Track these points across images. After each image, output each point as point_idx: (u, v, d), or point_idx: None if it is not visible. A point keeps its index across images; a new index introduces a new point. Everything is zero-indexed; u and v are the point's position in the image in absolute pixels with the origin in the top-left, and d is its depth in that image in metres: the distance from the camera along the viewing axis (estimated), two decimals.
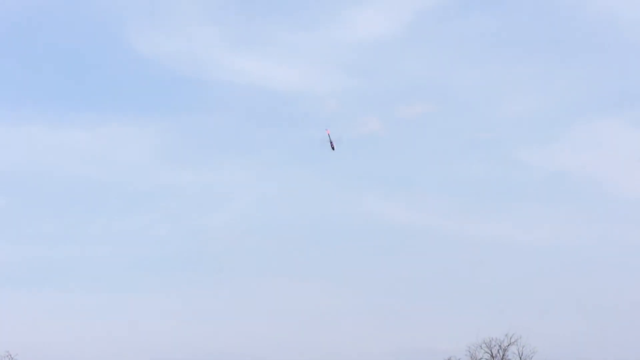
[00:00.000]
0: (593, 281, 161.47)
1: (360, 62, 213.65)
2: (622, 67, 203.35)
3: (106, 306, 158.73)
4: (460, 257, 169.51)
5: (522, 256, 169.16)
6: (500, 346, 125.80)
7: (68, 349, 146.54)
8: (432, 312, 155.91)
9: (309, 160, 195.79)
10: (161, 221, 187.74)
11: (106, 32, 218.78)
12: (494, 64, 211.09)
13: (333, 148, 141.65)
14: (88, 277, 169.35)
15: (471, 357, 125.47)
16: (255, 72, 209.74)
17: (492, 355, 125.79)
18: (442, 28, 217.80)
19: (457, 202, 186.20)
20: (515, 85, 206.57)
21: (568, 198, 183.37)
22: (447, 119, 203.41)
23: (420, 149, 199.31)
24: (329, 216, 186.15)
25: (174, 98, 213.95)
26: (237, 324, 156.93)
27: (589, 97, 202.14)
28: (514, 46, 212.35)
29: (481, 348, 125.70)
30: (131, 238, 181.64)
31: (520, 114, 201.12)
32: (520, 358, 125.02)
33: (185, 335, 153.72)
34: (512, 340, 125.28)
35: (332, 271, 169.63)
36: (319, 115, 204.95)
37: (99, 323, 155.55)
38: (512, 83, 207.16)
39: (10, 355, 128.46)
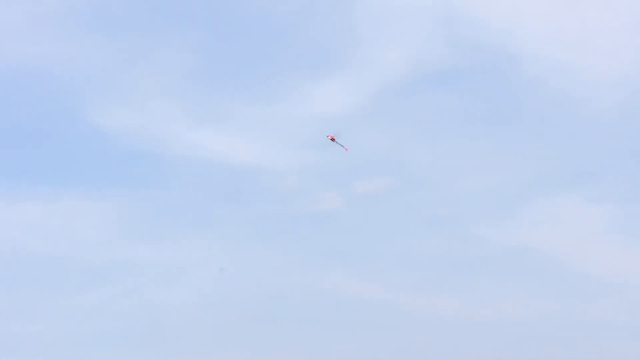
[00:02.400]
0: (552, 356, 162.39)
1: (320, 137, 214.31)
2: (580, 144, 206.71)
3: None
4: (421, 332, 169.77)
5: (482, 332, 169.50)
6: None
7: None
8: None
9: (268, 236, 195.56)
10: (119, 296, 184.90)
11: (64, 105, 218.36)
12: (454, 140, 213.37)
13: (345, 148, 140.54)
14: (44, 354, 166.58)
15: None
16: (215, 147, 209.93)
17: None
18: (402, 104, 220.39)
19: (418, 277, 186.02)
20: (474, 161, 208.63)
21: (527, 274, 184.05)
22: (406, 194, 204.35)
23: (380, 225, 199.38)
24: (289, 292, 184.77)
25: (132, 172, 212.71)
26: None
27: (547, 174, 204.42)
28: (473, 122, 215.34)
29: None
30: (88, 313, 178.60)
31: (479, 190, 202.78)
32: None
33: None
34: None
35: (292, 347, 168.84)
36: (278, 191, 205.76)
37: None
38: (471, 159, 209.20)
39: None
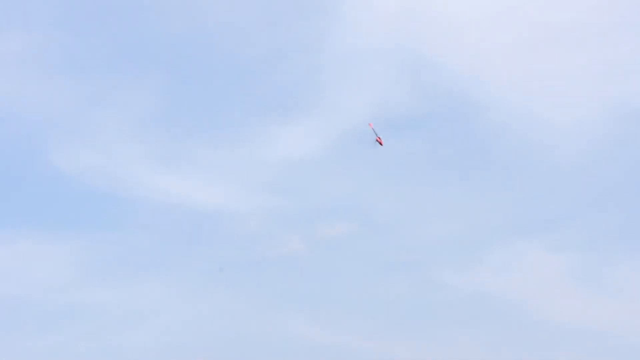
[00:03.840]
0: None
1: (283, 181, 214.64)
2: (543, 192, 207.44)
3: None
4: None
5: None
6: None
7: None
8: None
9: (229, 280, 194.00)
10: (79, 339, 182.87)
11: (26, 147, 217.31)
12: (417, 186, 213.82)
13: (380, 143, 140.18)
14: None
15: None
16: (177, 190, 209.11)
17: None
18: (366, 149, 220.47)
19: (380, 323, 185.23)
20: (437, 208, 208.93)
21: (488, 321, 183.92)
22: (369, 239, 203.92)
23: (343, 269, 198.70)
24: (250, 337, 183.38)
25: (93, 215, 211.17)
26: None
27: (510, 221, 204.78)
28: (437, 169, 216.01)
29: None
30: (48, 356, 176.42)
31: (442, 236, 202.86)
32: None
33: None
34: None
35: None
36: (240, 234, 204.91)
37: None
38: (434, 205, 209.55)
39: None
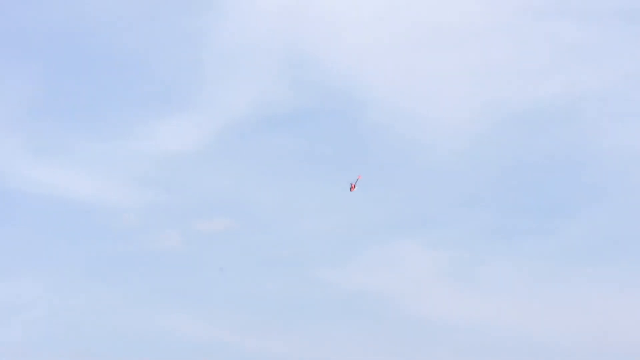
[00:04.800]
0: None
1: (161, 175, 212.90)
2: (419, 190, 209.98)
3: None
4: None
5: None
6: None
7: None
8: None
9: (105, 274, 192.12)
10: None
11: None
12: (296, 182, 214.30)
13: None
14: None
15: None
16: (54, 183, 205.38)
17: None
18: (245, 144, 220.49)
19: (255, 318, 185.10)
20: (316, 204, 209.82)
21: (364, 317, 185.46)
22: (247, 235, 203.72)
23: (220, 264, 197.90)
24: (125, 332, 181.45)
25: None
26: None
27: (387, 218, 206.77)
28: (316, 165, 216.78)
29: None
30: None
31: (320, 233, 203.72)
32: None
33: None
34: None
35: None
36: (117, 228, 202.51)
37: None
38: (313, 201, 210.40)
39: None
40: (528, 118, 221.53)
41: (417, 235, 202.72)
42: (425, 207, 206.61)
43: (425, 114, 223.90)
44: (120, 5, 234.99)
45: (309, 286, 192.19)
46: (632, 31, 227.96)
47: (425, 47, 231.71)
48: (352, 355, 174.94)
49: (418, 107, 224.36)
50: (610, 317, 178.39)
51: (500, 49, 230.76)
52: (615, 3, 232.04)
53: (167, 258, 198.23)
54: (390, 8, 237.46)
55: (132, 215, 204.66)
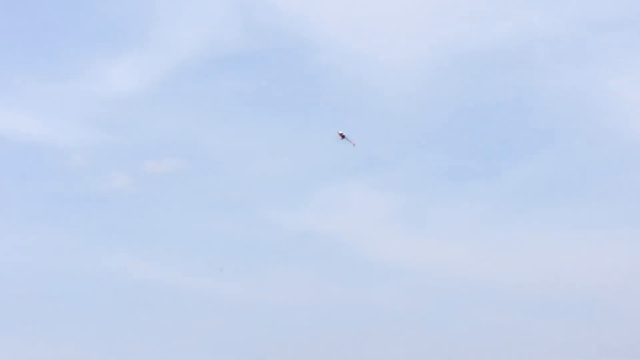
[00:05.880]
0: (338, 340, 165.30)
1: (110, 117, 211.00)
2: (370, 132, 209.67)
3: None
4: (207, 315, 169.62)
5: (269, 316, 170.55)
6: None
7: None
8: None
9: (54, 215, 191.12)
10: None
11: None
12: (247, 124, 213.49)
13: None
14: None
15: None
16: (0, 123, 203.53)
17: None
18: (196, 85, 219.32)
19: (207, 260, 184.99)
20: (267, 146, 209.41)
21: (316, 259, 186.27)
22: (197, 176, 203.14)
23: (170, 206, 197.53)
24: (73, 272, 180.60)
25: None
26: None
27: (337, 161, 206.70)
28: (267, 107, 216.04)
29: None
30: None
31: (270, 175, 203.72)
32: None
33: None
34: None
35: (76, 330, 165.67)
36: (66, 169, 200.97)
37: None
38: (263, 144, 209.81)
39: None
40: (477, 61, 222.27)
41: (367, 177, 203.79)
42: (375, 150, 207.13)
43: (375, 56, 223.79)
44: None
45: (259, 228, 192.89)
46: None
47: None
48: (303, 296, 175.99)
49: (368, 49, 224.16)
50: (558, 258, 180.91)
51: None
52: None
53: (116, 199, 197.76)
54: None
55: (81, 156, 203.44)
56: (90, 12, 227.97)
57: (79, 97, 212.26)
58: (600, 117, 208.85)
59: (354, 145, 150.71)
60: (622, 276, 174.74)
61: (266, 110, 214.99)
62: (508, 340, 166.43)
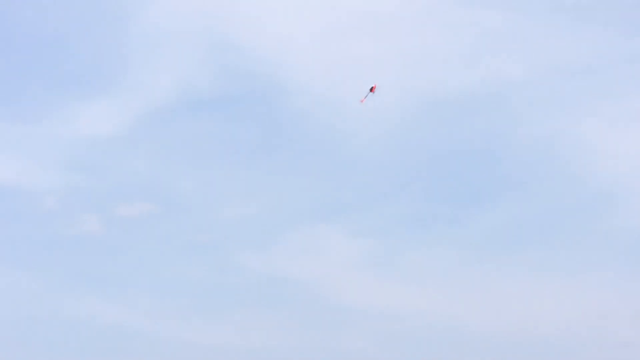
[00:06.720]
0: None
1: (82, 159, 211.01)
2: (342, 177, 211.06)
3: None
4: None
5: None
6: None
7: None
8: None
9: (23, 258, 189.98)
10: None
11: None
12: (218, 167, 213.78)
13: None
14: None
15: None
16: None
17: None
18: (169, 129, 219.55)
19: (177, 304, 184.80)
20: (237, 189, 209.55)
21: (286, 303, 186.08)
22: (168, 220, 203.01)
23: (141, 250, 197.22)
24: (43, 317, 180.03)
25: None
26: None
27: (309, 205, 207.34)
28: (239, 150, 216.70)
29: None
30: None
31: (242, 218, 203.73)
32: None
33: None
34: None
35: None
36: (36, 212, 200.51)
37: None
38: (234, 187, 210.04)
39: None
40: (450, 106, 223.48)
41: (338, 222, 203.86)
42: (346, 194, 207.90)
43: (347, 101, 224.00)
44: None
45: (229, 271, 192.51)
46: (556, 20, 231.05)
47: (349, 33, 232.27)
48: (273, 341, 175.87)
49: (340, 94, 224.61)
50: (526, 304, 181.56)
51: (424, 36, 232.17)
52: None
53: (86, 243, 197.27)
54: None
55: (51, 199, 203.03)
56: (63, 53, 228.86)
57: (51, 139, 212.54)
58: (570, 164, 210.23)
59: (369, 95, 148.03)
60: (590, 320, 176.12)
61: (238, 154, 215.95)
62: None
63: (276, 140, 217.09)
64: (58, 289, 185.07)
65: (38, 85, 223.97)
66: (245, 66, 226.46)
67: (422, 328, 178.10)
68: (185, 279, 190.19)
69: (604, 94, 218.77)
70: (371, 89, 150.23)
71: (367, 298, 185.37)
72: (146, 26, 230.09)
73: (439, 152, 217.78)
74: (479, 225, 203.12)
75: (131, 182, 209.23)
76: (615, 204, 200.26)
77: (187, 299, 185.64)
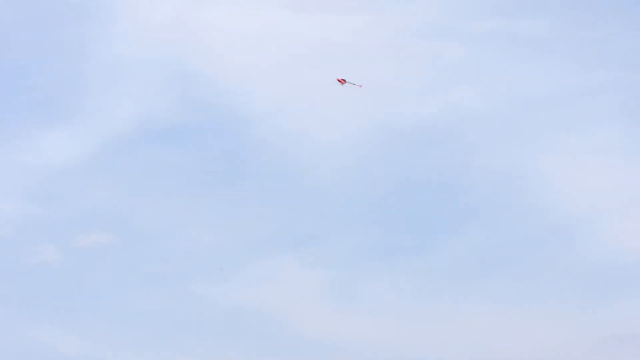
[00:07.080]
0: None
1: (41, 188, 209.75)
2: (302, 208, 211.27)
3: None
4: None
5: None
6: None
7: None
8: None
9: None
10: None
11: None
12: (177, 198, 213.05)
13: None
14: None
15: None
16: None
17: None
18: (128, 159, 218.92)
19: (134, 335, 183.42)
20: (197, 220, 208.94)
21: (246, 334, 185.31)
22: (127, 250, 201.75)
23: (99, 280, 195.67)
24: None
25: None
26: None
27: (268, 235, 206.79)
28: (198, 181, 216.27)
29: None
30: None
31: (199, 248, 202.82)
32: None
33: None
34: None
35: None
36: None
37: None
38: (194, 217, 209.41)
39: None
40: (409, 138, 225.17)
41: (298, 252, 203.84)
42: (306, 225, 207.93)
43: (307, 132, 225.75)
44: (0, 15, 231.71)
45: (189, 303, 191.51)
46: (515, 53, 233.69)
47: (310, 65, 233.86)
48: None
49: (301, 125, 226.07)
50: (485, 335, 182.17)
51: (384, 67, 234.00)
52: (497, 24, 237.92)
53: (44, 273, 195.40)
54: (279, 24, 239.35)
55: (9, 228, 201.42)
56: (22, 81, 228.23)
57: (9, 168, 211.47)
58: (528, 196, 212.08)
59: (360, 87, 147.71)
60: (548, 351, 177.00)
61: (197, 184, 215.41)
62: None
63: (236, 171, 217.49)
64: (15, 319, 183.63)
65: None
66: (206, 96, 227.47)
67: (382, 357, 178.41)
68: (144, 309, 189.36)
69: (562, 127, 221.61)
70: (341, 80, 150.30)
71: (327, 328, 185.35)
72: (107, 55, 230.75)
73: (398, 183, 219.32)
74: (439, 254, 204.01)
75: (90, 212, 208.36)
76: (573, 237, 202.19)
77: (146, 329, 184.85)
